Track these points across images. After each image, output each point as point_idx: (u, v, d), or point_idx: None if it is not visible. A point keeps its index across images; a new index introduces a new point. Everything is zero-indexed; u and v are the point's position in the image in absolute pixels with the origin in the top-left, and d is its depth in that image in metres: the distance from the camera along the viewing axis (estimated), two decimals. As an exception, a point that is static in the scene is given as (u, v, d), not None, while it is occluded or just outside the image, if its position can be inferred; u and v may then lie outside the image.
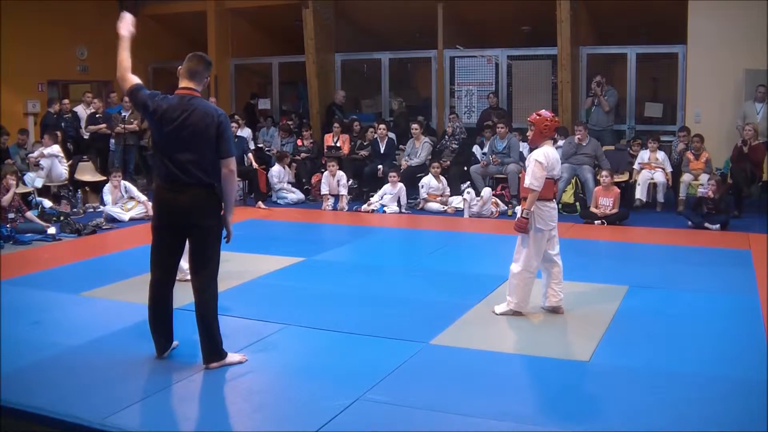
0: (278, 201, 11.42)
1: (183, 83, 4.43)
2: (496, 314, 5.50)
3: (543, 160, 5.32)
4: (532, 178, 5.31)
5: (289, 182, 11.71)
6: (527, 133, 5.76)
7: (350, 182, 11.53)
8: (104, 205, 10.09)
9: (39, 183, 10.48)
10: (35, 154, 10.78)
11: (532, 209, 5.32)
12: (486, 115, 12.03)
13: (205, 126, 4.28)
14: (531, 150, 5.69)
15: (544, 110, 5.56)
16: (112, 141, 12.20)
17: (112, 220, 9.65)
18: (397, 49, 13.99)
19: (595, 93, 11.41)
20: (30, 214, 8.93)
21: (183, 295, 4.72)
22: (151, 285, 4.48)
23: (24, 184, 10.35)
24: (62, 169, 10.89)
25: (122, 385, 4.19)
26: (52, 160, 10.73)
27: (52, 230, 8.74)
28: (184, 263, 4.84)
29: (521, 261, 5.43)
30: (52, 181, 10.85)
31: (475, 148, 11.56)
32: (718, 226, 8.84)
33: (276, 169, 11.51)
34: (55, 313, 5.72)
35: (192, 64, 4.43)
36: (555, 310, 5.53)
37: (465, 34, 13.65)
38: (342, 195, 10.89)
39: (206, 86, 4.55)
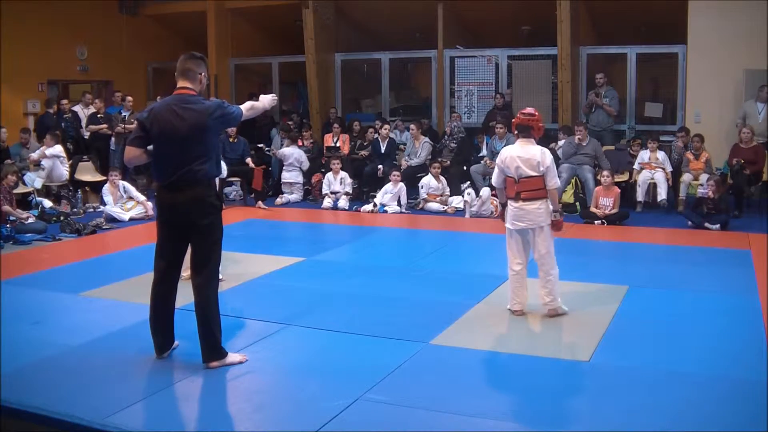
0: (282, 193, 11.47)
1: (178, 84, 4.44)
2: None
3: (497, 158, 5.62)
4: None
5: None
6: None
7: (350, 181, 11.54)
8: (104, 205, 10.09)
9: (38, 183, 10.47)
10: (36, 154, 10.77)
11: (505, 205, 5.56)
12: (492, 116, 12.02)
13: (200, 124, 4.28)
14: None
15: (527, 108, 5.64)
16: (113, 141, 12.20)
17: (112, 220, 9.65)
18: (397, 49, 13.99)
19: (593, 102, 11.40)
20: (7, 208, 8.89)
21: (183, 295, 4.72)
22: (153, 284, 4.49)
23: (24, 184, 10.35)
24: (63, 169, 10.87)
25: (122, 385, 4.19)
26: (54, 161, 10.71)
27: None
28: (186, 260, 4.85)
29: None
30: (53, 181, 10.84)
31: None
32: (718, 226, 8.83)
33: (293, 151, 11.64)
34: (55, 313, 5.72)
35: (181, 64, 4.44)
36: (547, 314, 5.47)
37: (465, 34, 13.66)
38: (343, 193, 10.91)
39: (204, 85, 4.51)
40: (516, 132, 5.60)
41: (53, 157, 10.69)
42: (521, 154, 5.43)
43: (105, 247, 8.47)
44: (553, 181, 5.49)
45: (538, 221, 5.40)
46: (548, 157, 5.47)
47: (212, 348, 4.41)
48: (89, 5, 13.69)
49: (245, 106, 4.64)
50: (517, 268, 5.49)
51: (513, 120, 5.67)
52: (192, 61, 4.44)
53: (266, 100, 4.82)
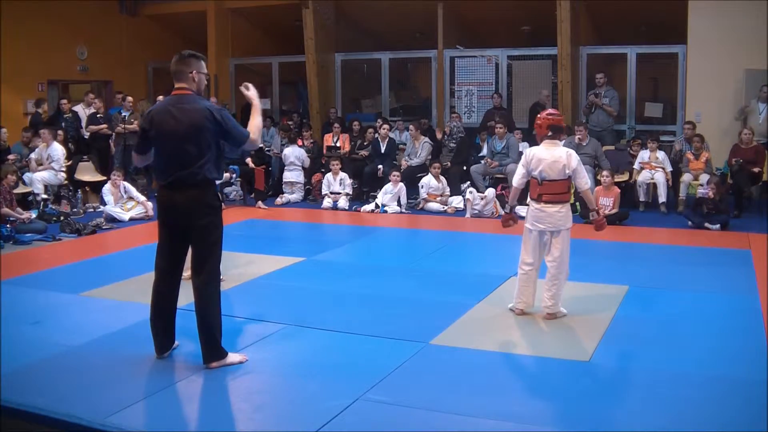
0: (282, 193, 11.48)
1: (175, 85, 4.43)
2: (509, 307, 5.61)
3: (522, 158, 5.51)
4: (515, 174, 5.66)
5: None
6: None
7: (350, 182, 11.55)
8: (104, 205, 10.09)
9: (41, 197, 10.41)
10: (34, 154, 10.72)
11: (513, 205, 5.75)
12: (490, 115, 12.03)
13: (195, 124, 4.25)
14: None
15: (549, 110, 5.59)
16: (112, 141, 12.18)
17: (112, 220, 9.65)
18: (397, 49, 13.99)
19: (592, 103, 11.39)
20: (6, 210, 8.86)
21: (183, 295, 4.72)
22: (154, 284, 4.49)
23: (24, 183, 10.34)
24: (61, 176, 10.72)
25: (122, 385, 4.19)
26: (48, 173, 10.51)
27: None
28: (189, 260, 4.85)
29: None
30: (52, 183, 10.76)
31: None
32: (718, 226, 8.83)
33: (293, 150, 11.66)
34: (55, 313, 5.72)
35: (172, 66, 4.43)
36: (545, 317, 5.43)
37: (465, 34, 13.66)
38: (343, 194, 10.91)
39: (201, 82, 4.44)
40: (550, 133, 5.41)
41: (49, 167, 10.52)
42: (546, 157, 5.34)
43: (105, 247, 8.47)
44: (584, 182, 5.42)
45: (558, 224, 5.35)
46: (574, 159, 5.37)
47: (212, 349, 4.41)
48: (89, 5, 13.70)
49: (254, 128, 4.49)
50: (527, 268, 5.46)
51: (540, 122, 5.44)
52: (181, 62, 4.42)
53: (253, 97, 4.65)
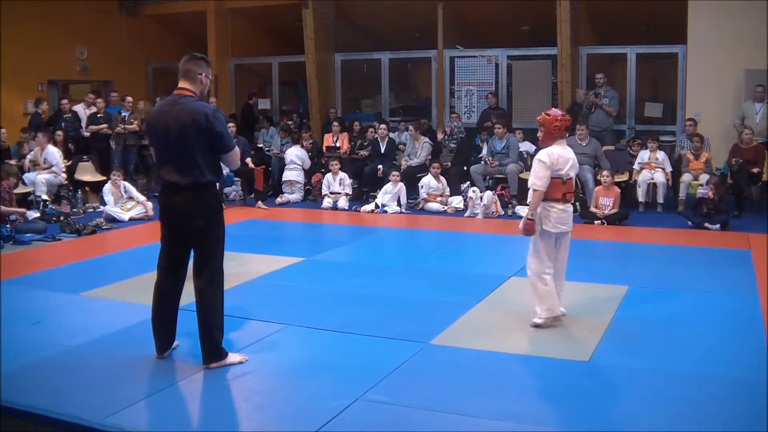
0: (282, 193, 11.48)
1: (179, 84, 4.42)
2: (536, 324, 5.23)
3: (546, 159, 5.16)
4: (534, 178, 5.17)
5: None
6: (538, 134, 5.55)
7: (350, 182, 11.55)
8: (104, 205, 10.09)
9: (42, 193, 10.39)
10: (31, 155, 10.69)
11: (537, 210, 5.17)
12: (486, 116, 12.04)
13: (192, 126, 4.21)
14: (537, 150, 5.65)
15: (553, 109, 5.50)
16: (112, 141, 12.17)
17: (112, 220, 9.65)
18: (397, 49, 13.99)
19: (592, 103, 11.39)
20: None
21: (183, 295, 4.72)
22: (156, 283, 4.50)
23: (24, 184, 10.34)
24: (60, 178, 10.71)
25: (122, 385, 4.19)
26: (49, 178, 10.46)
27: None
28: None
29: (532, 267, 5.25)
30: (52, 184, 10.74)
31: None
32: (718, 226, 8.84)
33: (297, 151, 11.69)
34: (55, 313, 5.72)
35: (182, 65, 4.41)
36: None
37: (465, 34, 13.66)
38: (343, 194, 10.91)
39: (206, 85, 4.45)
40: (567, 134, 5.51)
41: (51, 171, 10.50)
42: (568, 155, 5.30)
43: (105, 247, 8.47)
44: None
45: (571, 224, 5.34)
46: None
47: (212, 349, 4.41)
48: (89, 5, 13.70)
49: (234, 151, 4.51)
50: (548, 275, 5.20)
51: (559, 124, 5.27)
52: (192, 62, 4.41)
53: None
